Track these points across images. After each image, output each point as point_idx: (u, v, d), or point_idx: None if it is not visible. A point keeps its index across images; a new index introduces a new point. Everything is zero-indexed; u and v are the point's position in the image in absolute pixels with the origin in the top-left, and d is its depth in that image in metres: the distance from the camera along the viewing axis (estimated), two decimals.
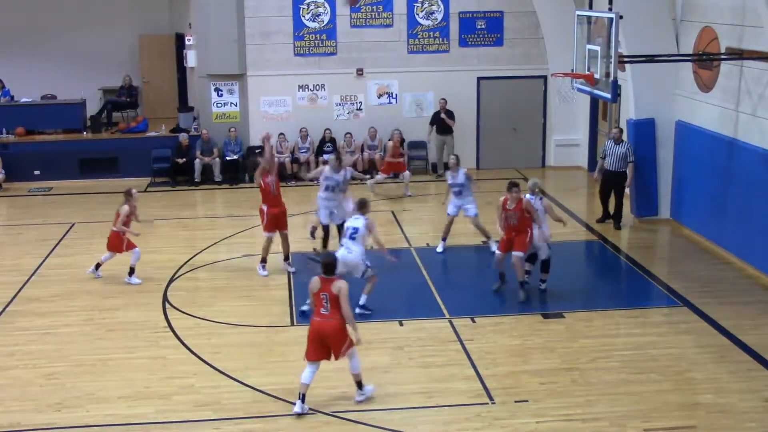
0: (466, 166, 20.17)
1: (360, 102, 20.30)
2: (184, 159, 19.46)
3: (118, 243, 13.16)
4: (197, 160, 19.43)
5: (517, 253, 12.07)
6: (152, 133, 20.59)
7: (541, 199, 12.43)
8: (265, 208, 13.18)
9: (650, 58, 14.32)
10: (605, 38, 12.81)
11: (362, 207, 11.83)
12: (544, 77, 20.20)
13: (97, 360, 10.55)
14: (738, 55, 13.32)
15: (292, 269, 13.39)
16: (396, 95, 20.34)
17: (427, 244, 14.55)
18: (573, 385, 9.75)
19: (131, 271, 13.18)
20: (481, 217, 14.47)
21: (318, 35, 19.95)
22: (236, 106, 20.15)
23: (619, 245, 14.92)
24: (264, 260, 13.36)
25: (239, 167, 19.61)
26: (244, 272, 13.58)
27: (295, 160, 19.73)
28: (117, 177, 19.81)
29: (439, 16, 20.10)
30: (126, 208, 13.06)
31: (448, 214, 14.46)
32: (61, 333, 11.39)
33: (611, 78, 12.64)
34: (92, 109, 21.47)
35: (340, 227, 13.31)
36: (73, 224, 16.44)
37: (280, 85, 20.04)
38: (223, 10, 19.46)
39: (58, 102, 20.97)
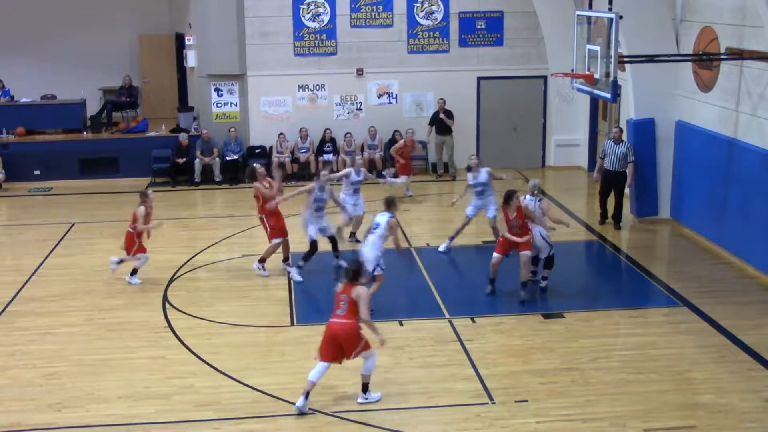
0: (465, 166, 20.34)
1: (360, 102, 20.30)
2: (184, 159, 19.46)
3: (130, 245, 12.99)
4: (197, 160, 19.43)
5: (525, 253, 12.08)
6: (152, 133, 20.59)
7: (540, 200, 12.43)
8: (265, 218, 13.22)
9: (650, 58, 14.33)
10: (605, 38, 12.81)
11: (389, 205, 11.96)
12: (544, 77, 20.20)
13: (97, 360, 10.55)
14: (738, 55, 13.32)
15: (291, 270, 13.38)
16: (396, 95, 20.35)
17: (427, 244, 14.55)
18: (573, 385, 9.75)
19: (134, 272, 13.15)
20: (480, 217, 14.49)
21: (318, 35, 19.95)
22: (236, 106, 20.15)
23: (619, 245, 14.92)
24: (264, 260, 13.36)
25: (239, 167, 19.61)
26: (244, 272, 13.58)
27: (295, 160, 19.73)
28: (117, 177, 19.84)
29: (439, 16, 20.10)
30: (142, 209, 12.95)
31: (467, 216, 14.39)
32: (61, 333, 11.39)
33: (611, 78, 12.64)
34: (92, 109, 21.47)
35: (332, 238, 13.56)
36: (73, 224, 16.44)
37: (280, 85, 20.04)
38: (223, 10, 19.46)
39: (58, 102, 20.96)
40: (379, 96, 20.33)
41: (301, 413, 9.13)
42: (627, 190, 15.95)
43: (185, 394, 9.63)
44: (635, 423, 8.89)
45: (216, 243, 15.16)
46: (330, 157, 19.78)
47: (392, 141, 19.91)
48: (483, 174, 14.21)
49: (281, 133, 19.69)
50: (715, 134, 14.22)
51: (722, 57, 13.72)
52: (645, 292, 12.97)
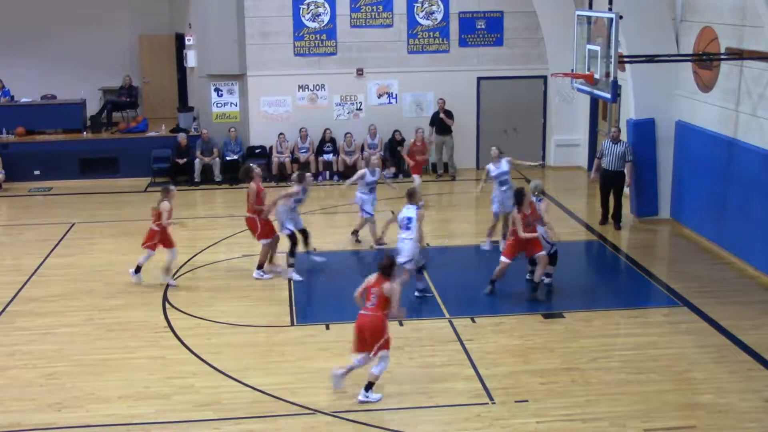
0: (466, 166, 20.38)
1: (360, 102, 20.30)
2: (185, 159, 19.46)
3: (150, 239, 12.91)
4: (197, 160, 19.43)
5: (542, 253, 12.07)
6: (152, 133, 20.60)
7: (540, 200, 12.43)
8: (255, 218, 13.18)
9: (650, 58, 14.33)
10: (605, 38, 12.81)
11: (412, 196, 12.08)
12: (544, 77, 20.21)
13: (97, 360, 10.55)
14: (738, 55, 13.32)
15: (279, 269, 13.35)
16: (396, 95, 20.35)
17: (428, 244, 14.50)
18: (573, 385, 9.75)
19: (138, 269, 13.08)
20: (488, 215, 14.46)
21: (318, 35, 19.95)
22: (236, 106, 20.15)
23: (619, 245, 14.92)
24: (262, 266, 13.36)
25: (239, 167, 19.57)
26: (244, 272, 13.58)
27: (294, 160, 19.73)
28: (117, 177, 19.84)
29: (439, 16, 20.10)
30: (166, 204, 12.85)
31: (495, 214, 14.35)
32: (61, 333, 11.39)
33: (611, 78, 12.64)
34: (92, 109, 21.48)
35: (303, 231, 13.58)
36: (73, 224, 16.44)
37: (280, 85, 20.05)
38: (223, 10, 19.46)
39: (58, 102, 20.97)
40: (379, 96, 20.33)
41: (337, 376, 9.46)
42: (626, 190, 15.95)
43: (185, 394, 9.63)
44: (635, 423, 8.89)
45: (216, 243, 15.16)
46: (330, 157, 19.78)
47: (392, 141, 19.93)
48: (504, 164, 14.25)
49: (281, 133, 19.70)
50: (715, 134, 14.22)
51: (722, 57, 13.72)
52: (645, 292, 12.97)
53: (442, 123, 19.64)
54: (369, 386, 9.42)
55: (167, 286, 12.98)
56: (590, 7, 18.68)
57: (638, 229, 15.79)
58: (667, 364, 10.24)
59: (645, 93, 15.59)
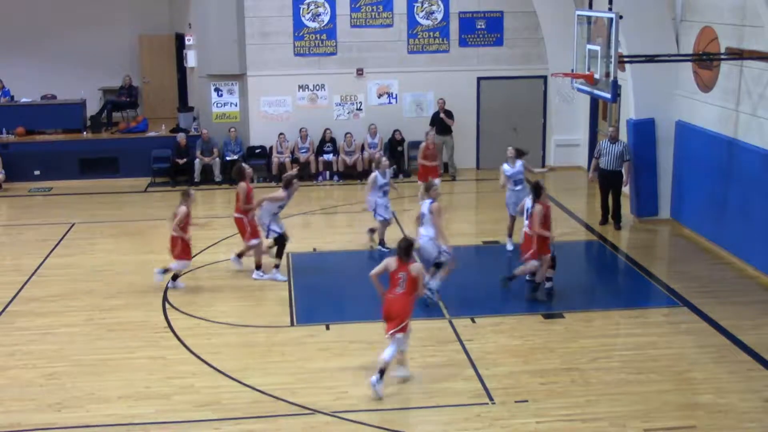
0: (466, 166, 20.39)
1: (360, 102, 20.30)
2: (184, 159, 19.46)
3: (174, 246, 12.70)
4: (197, 160, 19.44)
5: (546, 256, 12.08)
6: (152, 133, 20.60)
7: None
8: (244, 218, 13.18)
9: (650, 58, 14.33)
10: (605, 38, 12.81)
11: (428, 189, 12.09)
12: (544, 77, 20.21)
13: (97, 360, 10.55)
14: (738, 55, 13.32)
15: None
16: (396, 95, 20.35)
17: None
18: (573, 385, 9.75)
19: (175, 277, 12.85)
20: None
21: (318, 35, 19.95)
22: (236, 106, 20.16)
23: (619, 245, 14.92)
24: (259, 266, 13.35)
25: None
26: (243, 272, 13.57)
27: (294, 160, 19.73)
28: (117, 177, 19.85)
29: (439, 16, 20.10)
30: (183, 209, 12.59)
31: (511, 215, 14.31)
32: (61, 333, 11.39)
33: (611, 78, 12.64)
34: (92, 109, 21.49)
35: (282, 237, 13.37)
36: (73, 224, 16.44)
37: (280, 85, 20.05)
38: (223, 10, 19.47)
39: (58, 102, 20.98)
40: (379, 96, 20.34)
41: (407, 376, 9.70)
42: (626, 190, 15.95)
43: (185, 394, 9.63)
44: (635, 423, 8.89)
45: (216, 243, 15.16)
46: (330, 157, 19.79)
47: (392, 140, 19.92)
48: (519, 165, 14.27)
49: (281, 133, 19.70)
50: (715, 134, 14.22)
51: (722, 57, 13.72)
52: (645, 292, 12.97)
53: (442, 123, 19.63)
54: (381, 373, 9.46)
55: (167, 286, 12.97)
56: (590, 7, 18.68)
57: (638, 229, 15.79)
58: (667, 364, 10.24)
59: (645, 93, 15.59)
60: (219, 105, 20.15)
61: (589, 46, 13.49)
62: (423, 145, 16.98)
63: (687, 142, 15.14)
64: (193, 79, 21.35)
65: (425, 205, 12.02)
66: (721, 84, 14.14)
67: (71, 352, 10.77)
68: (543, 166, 20.52)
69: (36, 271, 13.84)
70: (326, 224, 16.94)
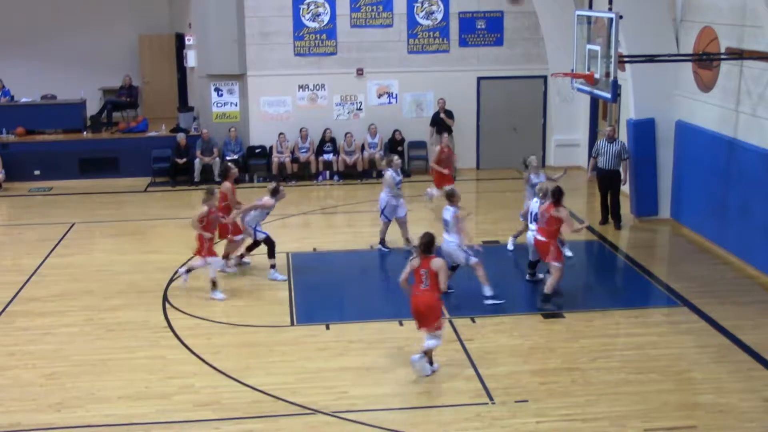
0: (466, 166, 20.39)
1: (360, 102, 20.30)
2: (184, 159, 19.46)
3: (201, 248, 12.54)
4: (197, 160, 19.43)
5: (558, 265, 12.07)
6: (152, 133, 20.60)
7: (542, 202, 12.42)
8: (222, 219, 13.24)
9: (650, 58, 14.33)
10: (605, 38, 12.81)
11: (450, 197, 12.06)
12: (544, 77, 20.21)
13: (97, 360, 10.55)
14: (738, 55, 13.32)
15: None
16: (396, 95, 20.35)
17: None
18: (573, 385, 9.75)
19: (214, 284, 12.53)
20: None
21: (318, 35, 19.95)
22: (236, 106, 20.15)
23: (619, 245, 14.92)
24: (229, 256, 13.50)
25: (239, 167, 19.59)
26: (244, 272, 13.57)
27: (295, 160, 19.73)
28: (117, 177, 19.84)
29: (439, 16, 20.10)
30: (204, 208, 12.42)
31: (523, 219, 14.19)
32: (61, 333, 11.38)
33: (611, 78, 12.64)
34: (92, 109, 21.49)
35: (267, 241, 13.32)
36: (73, 224, 16.44)
37: (280, 85, 20.04)
38: (223, 10, 19.46)
39: (58, 102, 20.97)
40: (379, 96, 20.34)
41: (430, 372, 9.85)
42: (625, 189, 15.95)
43: (185, 394, 9.63)
44: (635, 423, 8.89)
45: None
46: (330, 157, 19.79)
47: (392, 140, 19.93)
48: (542, 175, 14.28)
49: (281, 133, 19.70)
50: (715, 134, 14.21)
51: (722, 57, 13.72)
52: (645, 292, 12.97)
53: (442, 123, 19.63)
54: (430, 361, 9.88)
55: (167, 286, 12.98)
56: (590, 7, 18.68)
57: (638, 229, 15.79)
58: (667, 364, 10.23)
59: (645, 93, 15.59)
60: (219, 105, 20.15)
61: (589, 46, 13.49)
62: (437, 149, 16.50)
63: (687, 142, 15.14)
64: (193, 79, 21.35)
65: (448, 212, 11.99)
66: (721, 84, 14.14)
67: (71, 352, 10.77)
68: (543, 166, 20.55)
69: (36, 271, 13.84)
70: (326, 224, 16.94)
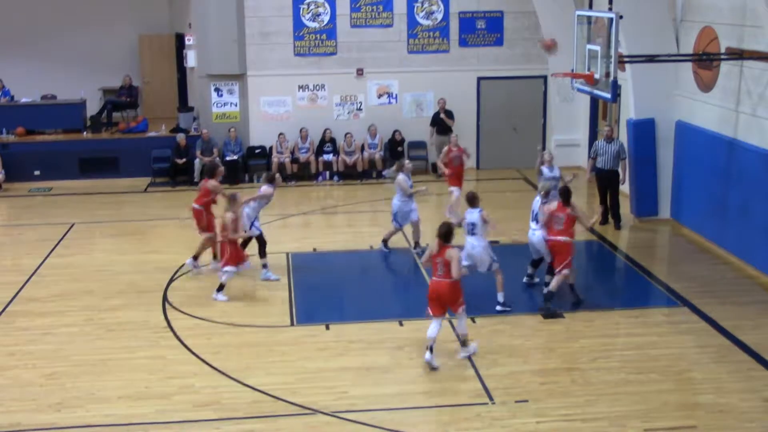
0: (466, 166, 20.31)
1: (360, 102, 20.30)
2: (184, 159, 19.46)
3: (223, 254, 12.41)
4: (197, 160, 19.43)
5: (566, 271, 12.02)
6: (152, 133, 20.60)
7: (545, 202, 12.39)
8: (203, 210, 13.28)
9: (650, 58, 14.33)
10: (605, 38, 12.81)
11: (474, 200, 11.99)
12: (544, 77, 20.21)
13: (97, 360, 10.55)
14: (738, 55, 13.32)
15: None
16: (396, 95, 20.35)
17: (428, 244, 14.49)
18: (573, 385, 9.75)
19: (220, 287, 12.45)
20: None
21: (318, 35, 19.95)
22: (236, 106, 20.15)
23: (619, 245, 14.92)
24: (197, 257, 13.52)
25: (239, 167, 19.63)
26: (243, 272, 13.55)
27: (294, 160, 19.74)
28: (117, 177, 19.84)
29: (439, 16, 20.10)
30: (230, 215, 12.23)
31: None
32: (61, 333, 11.38)
33: (611, 78, 12.64)
34: (92, 109, 21.49)
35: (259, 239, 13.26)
36: (73, 224, 16.44)
37: (280, 85, 20.05)
38: (223, 10, 19.47)
39: (58, 102, 20.97)
40: (379, 96, 20.34)
41: (432, 368, 10.03)
42: (625, 189, 15.95)
43: (185, 394, 9.63)
44: (635, 423, 8.89)
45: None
46: (330, 157, 19.79)
47: (392, 141, 19.93)
48: (556, 169, 14.24)
49: (281, 133, 19.70)
50: (715, 134, 14.21)
51: (722, 57, 13.72)
52: (645, 292, 12.97)
53: (442, 123, 19.64)
54: (464, 342, 10.39)
55: (167, 286, 12.97)
56: (590, 7, 18.68)
57: (638, 229, 15.79)
58: (667, 364, 10.23)
59: (645, 93, 15.59)
60: (219, 105, 20.15)
61: (589, 46, 13.49)
62: (446, 149, 16.12)
63: (687, 142, 15.14)
64: (193, 79, 21.35)
65: (473, 214, 11.81)
66: (721, 84, 14.14)
67: (71, 352, 10.77)
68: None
69: (36, 271, 13.84)
70: (326, 224, 16.94)
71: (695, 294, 12.40)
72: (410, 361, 10.42)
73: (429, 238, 14.57)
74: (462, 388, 9.71)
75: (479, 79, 20.36)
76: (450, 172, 15.91)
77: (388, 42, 20.07)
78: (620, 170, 15.51)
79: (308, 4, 19.84)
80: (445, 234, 10.13)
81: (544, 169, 14.26)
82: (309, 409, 9.24)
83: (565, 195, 11.95)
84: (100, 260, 14.38)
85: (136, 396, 9.61)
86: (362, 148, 19.89)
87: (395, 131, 19.95)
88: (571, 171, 16.96)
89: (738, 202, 13.55)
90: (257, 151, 20.15)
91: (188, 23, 21.30)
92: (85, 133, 20.53)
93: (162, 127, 20.81)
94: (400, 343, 10.88)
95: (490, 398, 9.44)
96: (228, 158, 19.61)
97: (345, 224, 17.08)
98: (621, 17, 12.68)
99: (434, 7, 20.06)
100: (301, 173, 19.73)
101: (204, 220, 13.39)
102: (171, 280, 13.27)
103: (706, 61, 14.27)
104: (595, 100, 18.98)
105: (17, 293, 12.85)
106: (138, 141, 20.29)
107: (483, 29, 20.21)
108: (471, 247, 11.81)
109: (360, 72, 20.12)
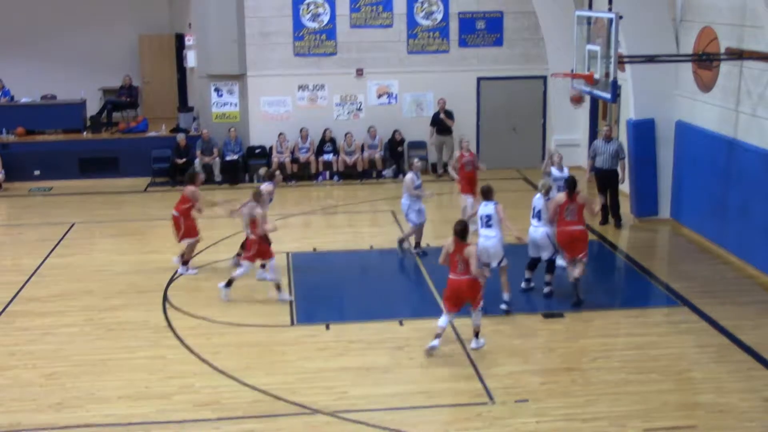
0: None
1: (360, 102, 20.30)
2: (184, 159, 19.47)
3: (249, 248, 12.34)
4: (197, 160, 19.43)
5: (582, 264, 12.16)
6: (152, 133, 20.60)
7: (548, 199, 12.37)
8: (181, 217, 13.32)
9: (650, 58, 14.33)
10: (605, 38, 12.81)
11: (489, 193, 11.91)
12: (544, 77, 20.21)
13: (97, 360, 10.55)
14: (738, 55, 13.32)
15: (190, 271, 13.54)
16: (396, 95, 20.35)
17: (428, 244, 14.52)
18: (573, 385, 9.75)
19: (229, 282, 12.38)
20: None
21: (318, 35, 19.95)
22: (236, 106, 20.15)
23: (619, 245, 14.92)
24: (188, 262, 13.61)
25: (239, 167, 19.63)
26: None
27: (294, 160, 19.74)
28: (117, 177, 19.85)
29: (439, 17, 20.10)
30: (259, 211, 12.22)
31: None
32: (61, 333, 11.38)
33: (611, 78, 12.64)
34: (92, 109, 21.49)
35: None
36: (73, 224, 16.44)
37: (280, 85, 20.05)
38: (223, 10, 19.47)
39: (58, 102, 20.99)
40: (379, 96, 20.34)
41: (431, 352, 10.34)
42: (624, 189, 15.94)
43: (185, 394, 9.63)
44: (635, 423, 8.89)
45: (216, 243, 15.15)
46: (330, 157, 19.79)
47: (392, 141, 19.93)
48: (566, 170, 14.23)
49: (281, 133, 19.70)
50: (715, 134, 14.22)
51: (722, 57, 13.72)
52: (645, 292, 12.97)
53: (442, 123, 19.65)
54: (476, 334, 10.56)
55: (167, 286, 12.98)
56: (590, 7, 18.67)
57: (638, 228, 15.79)
58: (667, 364, 10.23)
59: (645, 93, 15.59)
60: (219, 105, 20.15)
61: (589, 47, 13.50)
62: (457, 154, 15.74)
63: (687, 142, 15.14)
64: (193, 79, 21.36)
65: (489, 206, 11.72)
66: (721, 84, 14.14)
67: (71, 352, 10.77)
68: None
69: (36, 271, 13.84)
70: (326, 224, 16.94)
71: (695, 294, 12.40)
72: (410, 361, 10.41)
73: (429, 238, 14.64)
74: (462, 388, 9.71)
75: (479, 79, 20.36)
76: (461, 178, 15.38)
77: (388, 42, 20.07)
78: (619, 170, 15.52)
79: (308, 5, 19.83)
80: (462, 231, 10.31)
81: (554, 170, 14.22)
82: (309, 409, 9.24)
83: (573, 185, 12.09)
84: (100, 260, 14.38)
85: (136, 396, 9.61)
86: (362, 148, 19.89)
87: (395, 131, 19.95)
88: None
89: (738, 202, 13.55)
90: (257, 151, 20.15)
91: (188, 23, 21.30)
92: (85, 133, 20.54)
93: (162, 127, 20.82)
94: (400, 343, 10.88)
95: (490, 398, 9.44)
96: (228, 158, 19.62)
97: (345, 224, 17.08)
98: (621, 17, 12.68)
99: (434, 8, 20.05)
100: (301, 173, 19.74)
101: (182, 226, 13.39)
102: (171, 280, 13.27)
103: (706, 61, 14.27)
104: (595, 101, 18.98)
105: (17, 293, 12.85)
106: (138, 141, 20.29)
107: (483, 29, 20.20)
108: (485, 239, 11.69)
109: (360, 72, 20.12)
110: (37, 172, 19.82)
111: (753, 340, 10.78)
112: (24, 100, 20.88)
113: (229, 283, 12.40)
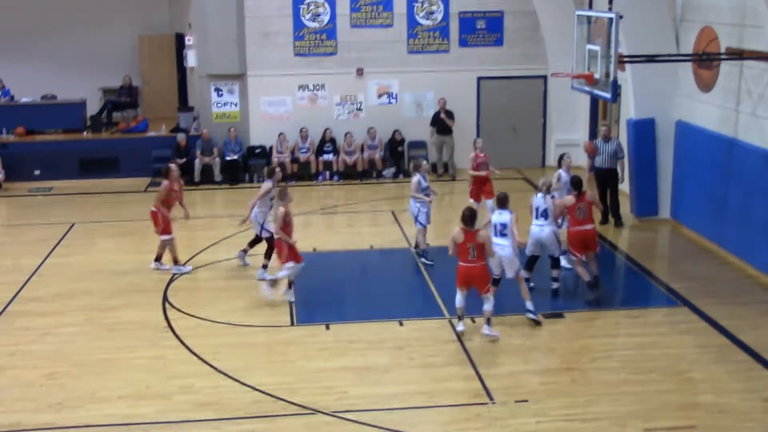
0: (466, 166, 20.35)
1: (360, 102, 20.31)
2: (184, 159, 19.46)
3: (281, 253, 12.15)
4: (197, 160, 19.44)
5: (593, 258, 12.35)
6: (152, 133, 20.61)
7: (553, 196, 12.36)
8: (159, 212, 13.36)
9: (650, 58, 14.33)
10: (605, 38, 12.81)
11: (504, 201, 11.61)
12: (544, 77, 20.20)
13: (97, 360, 10.55)
14: (738, 55, 13.32)
15: (166, 267, 13.61)
16: (396, 95, 20.35)
17: (428, 244, 14.51)
18: (573, 385, 9.75)
19: (289, 284, 12.25)
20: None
21: (318, 35, 19.95)
22: (236, 106, 20.16)
23: (619, 245, 14.92)
24: (159, 258, 13.66)
25: (239, 167, 19.63)
26: (244, 272, 13.58)
27: (295, 160, 19.74)
28: (117, 177, 19.85)
29: (439, 16, 20.10)
30: (282, 210, 11.93)
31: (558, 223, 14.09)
32: (61, 333, 11.38)
33: (611, 78, 12.64)
34: (92, 109, 21.49)
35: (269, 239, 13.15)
36: (73, 224, 16.44)
37: (280, 85, 20.05)
38: (223, 10, 19.47)
39: (58, 102, 20.99)
40: (379, 96, 20.34)
41: (459, 334, 10.83)
42: (624, 188, 15.95)
43: (185, 394, 9.63)
44: (635, 423, 8.88)
45: (216, 243, 15.16)
46: (330, 157, 19.79)
47: (392, 141, 19.93)
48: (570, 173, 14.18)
49: (281, 133, 19.71)
50: (715, 134, 14.22)
51: (722, 57, 13.72)
52: (645, 292, 12.96)
53: (442, 123, 19.65)
54: (489, 321, 10.80)
55: (167, 286, 12.98)
56: (590, 7, 18.67)
57: (638, 228, 15.79)
58: (667, 364, 10.23)
59: (645, 93, 15.59)
60: (219, 105, 20.15)
61: (589, 46, 13.50)
62: (472, 155, 15.56)
63: (687, 142, 15.14)
64: (193, 79, 21.36)
65: (504, 215, 11.42)
66: (721, 84, 14.14)
67: (71, 352, 10.77)
68: (543, 165, 20.58)
69: (36, 271, 13.84)
70: (326, 224, 16.94)
71: (695, 294, 12.40)
72: (410, 361, 10.41)
73: (430, 238, 14.65)
74: (462, 389, 9.71)
75: (479, 79, 20.36)
76: (473, 181, 15.33)
77: (388, 42, 20.07)
78: (619, 169, 15.53)
79: (308, 4, 19.84)
80: (470, 218, 10.49)
81: (562, 173, 14.13)
82: (309, 409, 9.24)
83: (579, 184, 12.23)
84: (100, 260, 14.38)
85: (136, 396, 9.61)
86: (362, 148, 19.89)
87: (395, 131, 19.96)
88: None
89: (738, 202, 13.55)
90: (257, 150, 20.16)
91: (188, 23, 21.30)
92: (85, 133, 20.54)
93: (162, 127, 20.82)
94: (400, 343, 10.88)
95: (490, 398, 9.44)
96: (228, 158, 19.63)
97: (345, 224, 17.08)
98: (621, 17, 12.68)
99: (434, 7, 20.05)
100: (301, 173, 19.74)
101: (160, 222, 13.39)
102: (171, 280, 13.27)
103: (706, 61, 14.27)
104: (595, 101, 18.97)
105: (17, 293, 12.85)
106: (138, 141, 20.29)
107: (483, 29, 20.20)
108: (500, 248, 11.35)
109: (360, 72, 20.12)
110: (37, 172, 19.82)
111: (753, 341, 10.78)
112: (24, 99, 20.89)
113: (273, 283, 12.25)
